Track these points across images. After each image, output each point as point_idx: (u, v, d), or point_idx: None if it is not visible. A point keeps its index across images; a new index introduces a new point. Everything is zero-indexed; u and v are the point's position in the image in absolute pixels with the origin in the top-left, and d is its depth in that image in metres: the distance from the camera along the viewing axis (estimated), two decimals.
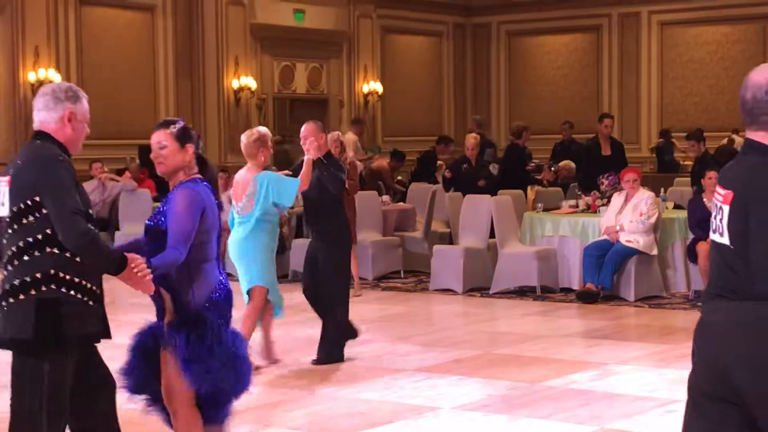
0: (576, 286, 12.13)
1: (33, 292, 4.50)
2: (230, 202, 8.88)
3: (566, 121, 20.25)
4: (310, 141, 8.60)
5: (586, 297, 11.70)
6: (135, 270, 4.55)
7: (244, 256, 8.54)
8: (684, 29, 24.17)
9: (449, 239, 14.25)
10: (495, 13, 26.28)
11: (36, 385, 4.53)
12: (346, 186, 12.72)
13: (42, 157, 4.61)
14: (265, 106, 22.22)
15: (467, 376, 8.22)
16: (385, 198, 15.22)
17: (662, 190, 14.25)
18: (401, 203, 15.41)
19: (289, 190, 8.44)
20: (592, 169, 13.81)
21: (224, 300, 5.01)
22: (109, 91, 19.85)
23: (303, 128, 8.86)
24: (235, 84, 21.23)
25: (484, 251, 12.85)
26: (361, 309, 11.80)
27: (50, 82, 18.97)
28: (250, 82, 21.44)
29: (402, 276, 13.90)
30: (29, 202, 4.53)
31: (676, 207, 13.35)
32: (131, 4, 20.25)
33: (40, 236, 4.53)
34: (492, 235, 12.68)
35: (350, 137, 18.55)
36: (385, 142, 23.01)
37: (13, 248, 4.55)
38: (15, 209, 4.55)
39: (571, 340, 9.80)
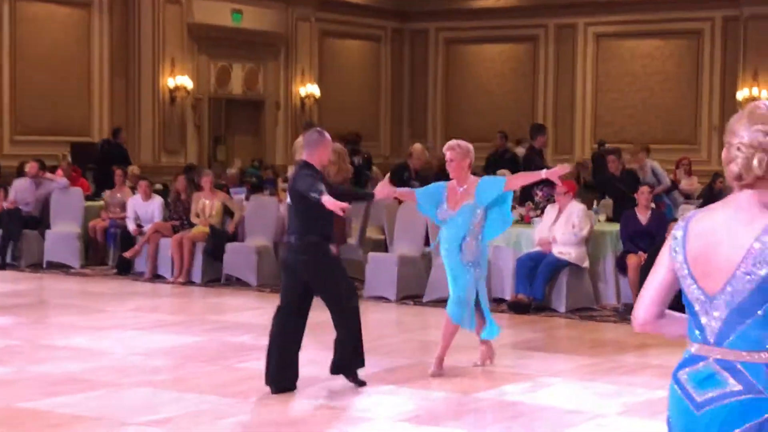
0: (508, 297, 12.21)
1: None
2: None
3: (500, 131, 20.40)
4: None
5: (517, 308, 11.79)
6: None
7: None
8: (619, 42, 24.48)
9: (384, 246, 14.26)
10: (433, 20, 26.39)
11: None
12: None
13: None
14: (201, 107, 22.12)
15: (399, 386, 8.24)
16: None
17: (595, 202, 14.41)
18: None
19: None
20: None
21: None
22: (43, 87, 19.64)
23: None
24: (170, 83, 21.09)
25: (419, 259, 12.90)
26: None
27: None
28: (186, 81, 21.32)
29: None
30: None
31: (609, 220, 13.49)
32: (67, 0, 20.03)
33: None
34: (427, 242, 12.73)
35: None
36: None
37: None
38: None
39: (503, 351, 9.84)
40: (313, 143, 8.07)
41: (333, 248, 8.43)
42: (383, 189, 8.38)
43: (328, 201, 7.48)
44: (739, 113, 3.20)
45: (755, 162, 3.11)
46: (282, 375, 7.89)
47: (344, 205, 7.54)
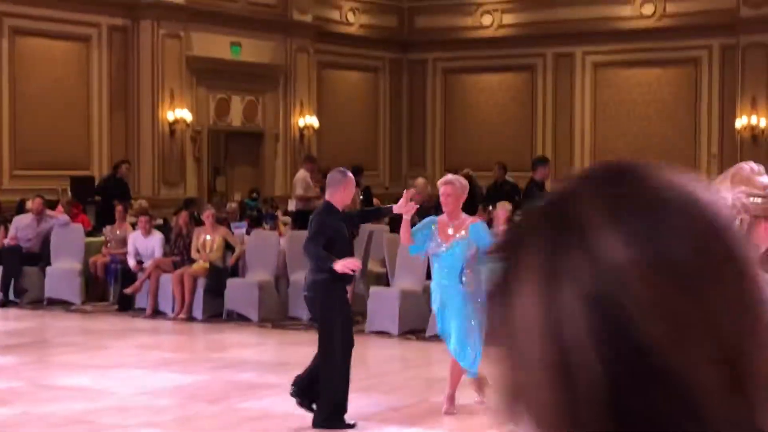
0: None
1: None
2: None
3: (498, 162, 20.37)
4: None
5: None
6: None
7: None
8: (617, 71, 24.53)
9: (386, 280, 14.23)
10: (431, 50, 26.45)
11: None
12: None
13: None
14: (200, 139, 22.12)
15: (405, 426, 8.20)
16: None
17: None
18: None
19: None
20: None
21: None
22: (42, 122, 19.64)
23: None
24: (170, 116, 21.10)
25: (420, 293, 12.85)
26: (294, 351, 11.73)
27: None
28: (185, 114, 21.33)
29: None
30: None
31: None
32: (66, 35, 20.06)
33: None
34: (428, 276, 12.68)
35: (301, 174, 18.60)
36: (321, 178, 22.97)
37: None
38: None
39: None
40: (335, 184, 8.20)
41: (349, 288, 8.48)
42: (402, 206, 8.36)
43: (338, 266, 7.65)
44: (723, 174, 3.21)
45: (736, 224, 3.10)
46: (311, 390, 7.92)
47: (356, 265, 7.73)
